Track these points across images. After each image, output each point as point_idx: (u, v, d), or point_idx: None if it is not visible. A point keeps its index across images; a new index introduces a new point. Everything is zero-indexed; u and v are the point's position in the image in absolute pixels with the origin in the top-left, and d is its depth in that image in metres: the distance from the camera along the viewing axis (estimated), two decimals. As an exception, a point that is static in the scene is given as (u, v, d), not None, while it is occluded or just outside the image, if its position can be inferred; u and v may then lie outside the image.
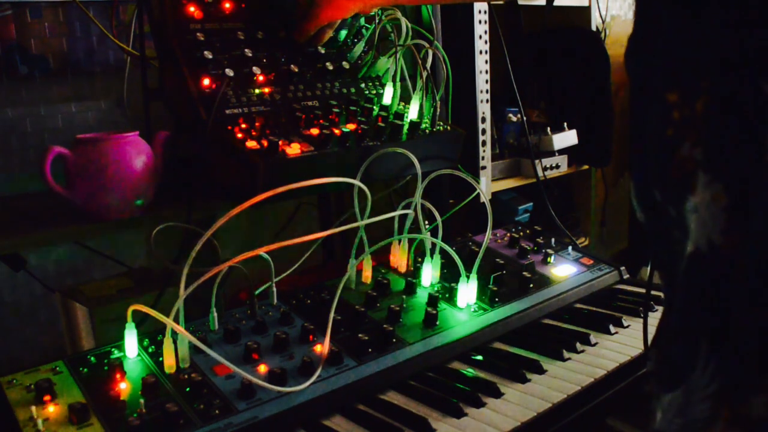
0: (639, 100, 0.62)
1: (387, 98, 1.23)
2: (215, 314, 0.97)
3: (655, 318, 1.14)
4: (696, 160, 0.52)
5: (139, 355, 0.90)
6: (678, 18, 0.56)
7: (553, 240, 1.36)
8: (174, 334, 0.87)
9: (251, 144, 1.02)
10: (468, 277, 1.10)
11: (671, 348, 0.56)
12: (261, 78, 1.12)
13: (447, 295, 1.11)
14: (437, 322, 1.03)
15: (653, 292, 1.22)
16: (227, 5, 1.15)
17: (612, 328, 1.09)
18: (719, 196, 0.50)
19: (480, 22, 1.56)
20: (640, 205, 0.64)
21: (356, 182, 1.05)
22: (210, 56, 1.08)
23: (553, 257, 1.27)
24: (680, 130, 0.53)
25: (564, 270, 1.25)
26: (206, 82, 1.07)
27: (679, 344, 0.55)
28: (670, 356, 0.56)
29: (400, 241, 1.18)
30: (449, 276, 1.15)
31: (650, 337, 0.79)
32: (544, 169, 1.88)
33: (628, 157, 0.70)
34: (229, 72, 1.08)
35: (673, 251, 0.58)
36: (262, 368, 0.88)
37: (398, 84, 1.22)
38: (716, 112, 0.51)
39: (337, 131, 1.09)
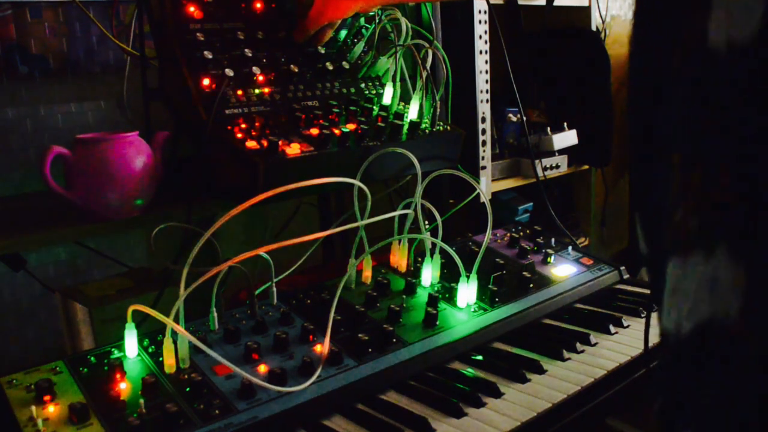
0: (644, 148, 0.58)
1: (387, 98, 1.23)
2: (215, 314, 0.97)
3: (653, 319, 1.14)
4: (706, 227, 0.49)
5: (139, 355, 0.90)
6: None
7: (553, 240, 1.36)
8: (174, 334, 0.87)
9: (251, 144, 1.02)
10: (468, 277, 1.10)
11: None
12: (261, 78, 1.12)
13: (447, 295, 1.11)
14: (437, 322, 1.03)
15: (649, 291, 1.22)
16: (227, 5, 1.15)
17: (612, 328, 1.09)
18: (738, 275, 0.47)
19: (480, 22, 1.56)
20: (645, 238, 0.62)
21: (356, 182, 1.05)
22: (210, 56, 1.08)
23: (553, 257, 1.27)
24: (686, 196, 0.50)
25: (564, 270, 1.25)
26: (206, 82, 1.07)
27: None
28: None
29: (400, 241, 1.18)
30: (449, 276, 1.15)
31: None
32: (544, 169, 1.88)
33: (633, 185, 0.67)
34: (229, 72, 1.08)
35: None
36: (262, 368, 0.88)
37: (398, 84, 1.22)
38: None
39: (337, 131, 1.09)
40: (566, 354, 1.00)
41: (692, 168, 0.49)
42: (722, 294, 0.47)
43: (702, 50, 0.46)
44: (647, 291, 1.23)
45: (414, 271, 1.18)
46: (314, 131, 1.09)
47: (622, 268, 1.31)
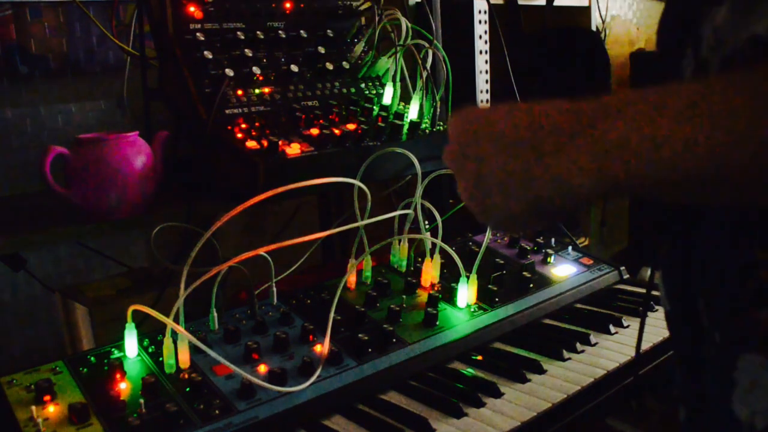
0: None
1: (387, 98, 1.23)
2: (215, 314, 0.97)
3: (653, 319, 1.14)
4: None
5: (139, 355, 0.90)
6: None
7: (553, 240, 1.36)
8: (174, 334, 0.87)
9: (251, 144, 1.02)
10: (468, 277, 1.10)
11: None
12: (261, 78, 1.12)
13: (447, 295, 1.11)
14: (437, 322, 1.03)
15: (653, 292, 1.23)
16: (227, 5, 1.15)
17: (612, 328, 1.09)
18: None
19: (480, 22, 1.56)
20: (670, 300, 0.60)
21: (356, 182, 1.05)
22: (210, 56, 1.08)
23: (553, 257, 1.27)
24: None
25: (564, 270, 1.25)
26: (206, 82, 1.07)
27: None
28: None
29: (400, 241, 1.18)
30: (449, 276, 1.15)
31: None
32: (544, 169, 1.88)
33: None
34: (229, 72, 1.08)
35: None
36: (262, 368, 0.88)
37: (398, 84, 1.22)
38: None
39: (337, 131, 1.09)
40: (566, 354, 1.00)
41: None
42: None
43: None
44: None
45: (414, 271, 1.18)
46: (314, 131, 1.09)
47: (622, 268, 1.31)
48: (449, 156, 0.57)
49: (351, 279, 1.12)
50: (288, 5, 1.22)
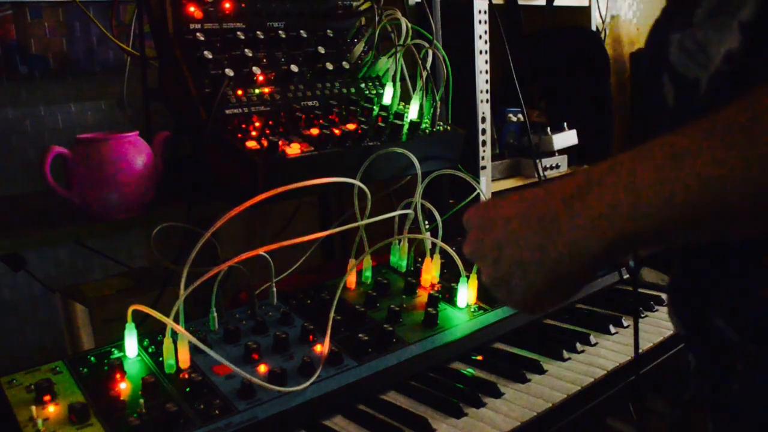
0: None
1: (387, 98, 1.23)
2: (215, 314, 0.97)
3: (653, 318, 1.14)
4: None
5: (139, 355, 0.90)
6: None
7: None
8: (174, 334, 0.87)
9: (251, 144, 1.02)
10: (468, 277, 1.10)
11: None
12: (261, 78, 1.12)
13: (447, 295, 1.11)
14: (437, 322, 1.03)
15: (649, 291, 1.23)
16: (227, 5, 1.15)
17: (612, 328, 1.09)
18: None
19: (480, 22, 1.56)
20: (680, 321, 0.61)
21: (356, 182, 1.05)
22: (210, 56, 1.08)
23: (553, 257, 1.27)
24: None
25: (564, 270, 1.25)
26: (206, 82, 1.07)
27: None
28: None
29: (400, 241, 1.18)
30: (449, 276, 1.15)
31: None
32: (544, 169, 1.88)
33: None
34: (229, 72, 1.08)
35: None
36: (262, 368, 0.88)
37: (398, 84, 1.22)
38: None
39: (337, 131, 1.09)
40: (566, 354, 1.00)
41: None
42: None
43: None
44: (647, 291, 1.24)
45: (414, 271, 1.18)
46: (314, 131, 1.09)
47: (622, 268, 1.31)
48: (469, 246, 0.61)
49: (351, 279, 1.12)
50: (288, 5, 1.22)
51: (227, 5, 1.14)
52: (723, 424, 0.60)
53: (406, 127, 1.17)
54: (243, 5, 1.17)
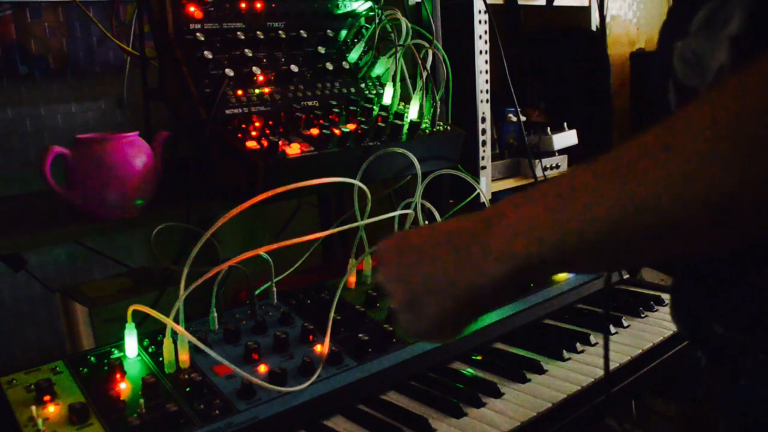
0: None
1: (387, 98, 1.23)
2: (215, 314, 0.97)
3: (653, 318, 1.14)
4: None
5: (139, 355, 0.90)
6: None
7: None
8: (174, 334, 0.87)
9: (251, 144, 1.02)
10: (468, 277, 1.09)
11: None
12: (261, 78, 1.12)
13: (447, 295, 1.10)
14: (437, 322, 1.03)
15: (649, 291, 1.23)
16: (227, 5, 1.15)
17: (612, 328, 1.09)
18: None
19: (480, 22, 1.56)
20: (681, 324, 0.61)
21: (356, 182, 1.05)
22: (210, 56, 1.08)
23: (553, 257, 1.27)
24: None
25: (564, 270, 1.25)
26: (206, 82, 1.07)
27: None
28: None
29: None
30: (449, 276, 1.15)
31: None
32: (544, 169, 1.88)
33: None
34: (229, 72, 1.08)
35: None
36: (262, 368, 0.88)
37: (398, 84, 1.22)
38: None
39: (337, 131, 1.09)
40: (566, 354, 1.00)
41: None
42: None
43: None
44: (647, 291, 1.24)
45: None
46: (314, 131, 1.09)
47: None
48: (383, 270, 0.62)
49: (351, 279, 1.12)
50: (288, 5, 1.22)
51: (227, 5, 1.14)
52: (733, 422, 0.60)
53: (406, 127, 1.17)
54: (243, 5, 1.17)
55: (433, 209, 1.14)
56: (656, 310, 1.16)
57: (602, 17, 1.98)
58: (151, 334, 0.93)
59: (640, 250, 0.46)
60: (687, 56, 0.54)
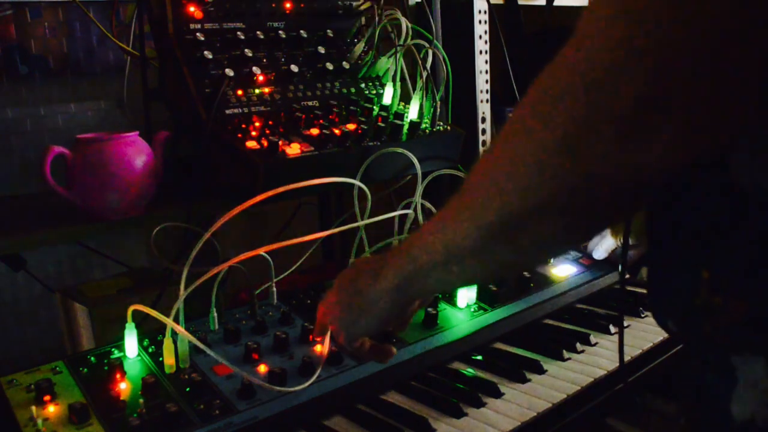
0: None
1: (387, 98, 1.23)
2: (215, 314, 0.97)
3: (651, 318, 1.14)
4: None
5: (139, 355, 0.90)
6: None
7: (553, 240, 1.35)
8: (174, 334, 0.87)
9: (251, 144, 1.02)
10: (468, 277, 1.09)
11: None
12: (261, 78, 1.12)
13: (447, 295, 1.11)
14: (437, 322, 1.03)
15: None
16: (227, 5, 1.15)
17: (612, 328, 1.09)
18: None
19: (480, 22, 1.56)
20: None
21: (356, 182, 1.05)
22: (210, 56, 1.08)
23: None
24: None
25: (564, 270, 1.25)
26: (206, 82, 1.07)
27: None
28: None
29: (400, 241, 1.18)
30: (449, 276, 1.15)
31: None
32: (544, 169, 1.88)
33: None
34: (229, 72, 1.08)
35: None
36: (262, 368, 0.88)
37: (398, 84, 1.22)
38: None
39: (337, 131, 1.09)
40: (566, 354, 1.00)
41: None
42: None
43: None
44: (647, 291, 1.23)
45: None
46: (314, 131, 1.09)
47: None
48: (327, 298, 0.84)
49: (351, 279, 1.12)
50: (288, 5, 1.22)
51: (227, 5, 1.14)
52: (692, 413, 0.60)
53: (406, 127, 1.17)
54: (243, 5, 1.17)
55: (433, 209, 1.14)
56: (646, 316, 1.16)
57: (602, 17, 1.98)
58: (151, 334, 0.93)
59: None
60: None
